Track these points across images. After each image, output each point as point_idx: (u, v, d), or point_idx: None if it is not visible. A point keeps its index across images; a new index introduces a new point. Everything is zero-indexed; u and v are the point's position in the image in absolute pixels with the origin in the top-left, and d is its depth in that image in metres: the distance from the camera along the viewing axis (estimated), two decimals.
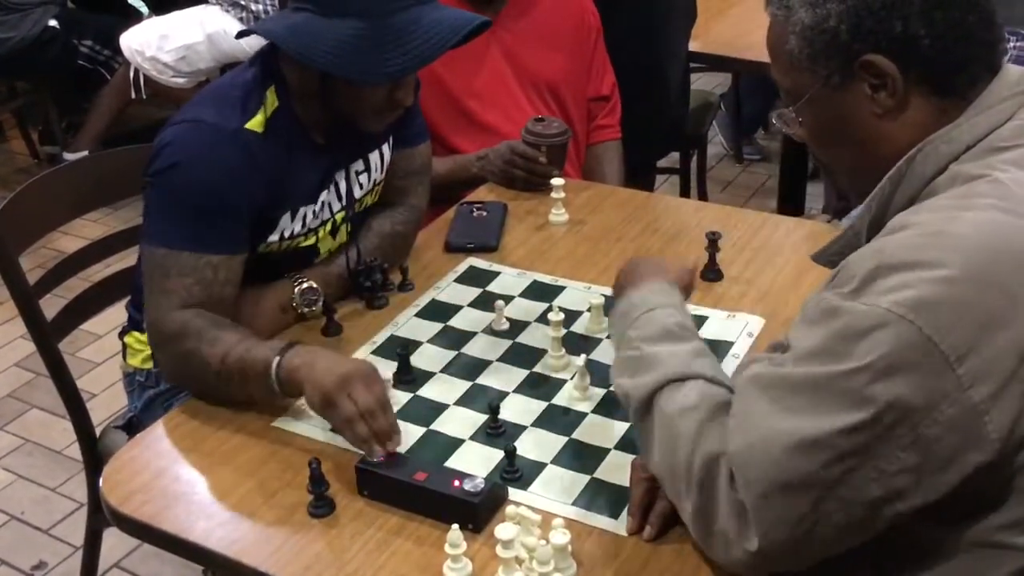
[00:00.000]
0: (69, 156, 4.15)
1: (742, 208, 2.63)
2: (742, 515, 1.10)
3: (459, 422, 1.54)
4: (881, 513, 1.05)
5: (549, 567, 1.23)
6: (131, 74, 4.07)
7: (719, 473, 1.14)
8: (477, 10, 2.09)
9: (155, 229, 1.62)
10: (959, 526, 1.08)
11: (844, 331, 1.05)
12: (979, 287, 1.02)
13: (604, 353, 1.64)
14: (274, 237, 1.72)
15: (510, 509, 1.30)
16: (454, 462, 1.46)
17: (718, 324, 1.73)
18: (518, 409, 1.56)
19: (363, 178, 1.84)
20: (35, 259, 2.97)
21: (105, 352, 3.22)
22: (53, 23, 4.19)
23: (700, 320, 1.73)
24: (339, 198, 1.80)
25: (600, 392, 1.57)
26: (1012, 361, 1.01)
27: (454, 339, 1.74)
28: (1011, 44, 2.47)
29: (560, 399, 1.58)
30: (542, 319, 1.76)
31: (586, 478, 1.42)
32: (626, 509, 1.35)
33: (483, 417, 1.54)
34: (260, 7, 3.91)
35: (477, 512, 1.34)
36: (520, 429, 1.52)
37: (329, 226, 1.81)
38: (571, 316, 1.75)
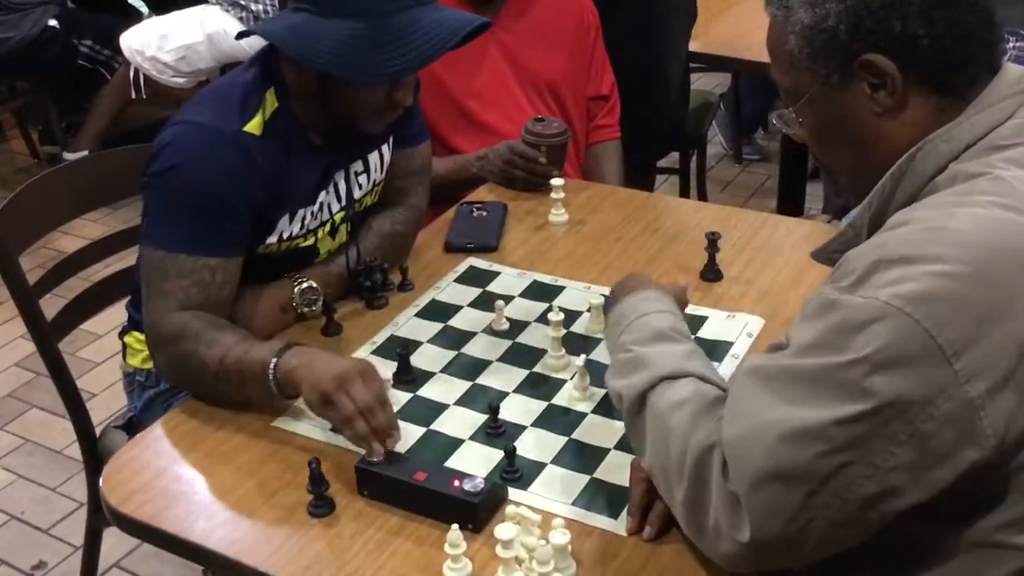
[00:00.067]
0: (69, 156, 4.15)
1: (742, 208, 2.63)
2: (735, 505, 1.10)
3: (459, 422, 1.54)
4: (876, 511, 1.05)
5: (549, 567, 1.23)
6: (131, 74, 4.07)
7: (712, 464, 1.13)
8: (477, 10, 2.09)
9: (153, 231, 1.62)
10: (958, 526, 1.08)
11: (842, 324, 1.05)
12: (979, 283, 1.02)
13: (604, 353, 1.63)
14: (272, 239, 1.72)
15: (510, 509, 1.31)
16: (454, 462, 1.46)
17: (718, 324, 1.73)
18: (518, 409, 1.56)
19: (362, 179, 1.84)
20: (35, 259, 2.97)
21: (105, 352, 3.22)
22: (53, 23, 4.19)
23: (700, 320, 1.74)
24: (338, 199, 1.80)
25: (600, 392, 1.57)
26: (1010, 358, 1.01)
27: (454, 339, 1.74)
28: (1011, 44, 2.47)
29: (560, 399, 1.58)
30: (542, 319, 1.76)
31: (586, 478, 1.42)
32: (626, 509, 1.35)
33: (483, 417, 1.54)
34: (260, 7, 3.91)
35: (477, 512, 1.34)
36: (520, 429, 1.52)
37: (328, 227, 1.81)
38: (571, 316, 1.76)
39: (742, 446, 1.10)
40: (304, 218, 1.75)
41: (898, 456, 1.02)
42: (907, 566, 1.12)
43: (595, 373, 1.58)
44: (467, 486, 1.35)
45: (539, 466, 1.45)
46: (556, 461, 1.46)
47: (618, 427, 1.50)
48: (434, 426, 1.54)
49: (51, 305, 1.98)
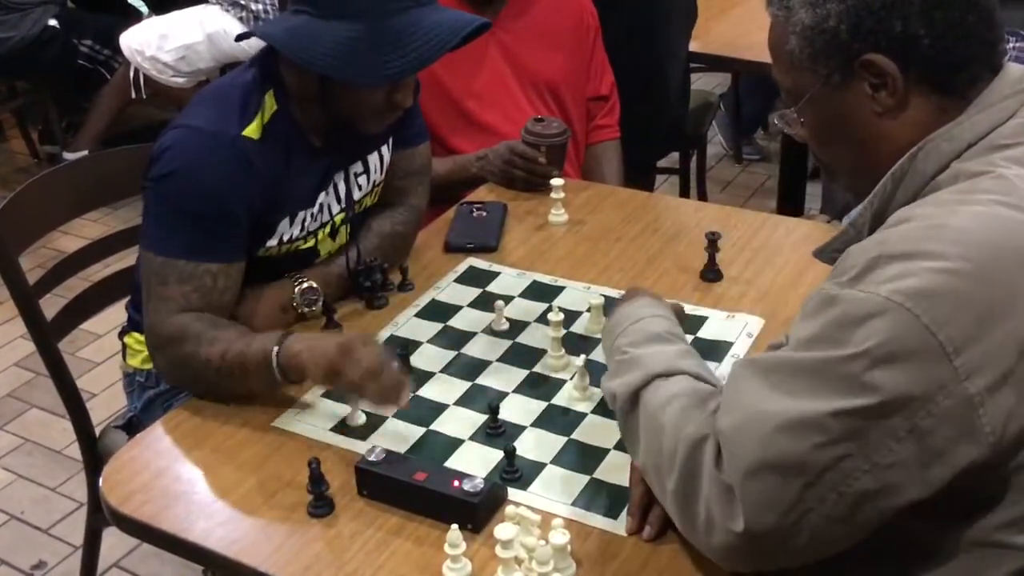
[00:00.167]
0: (69, 156, 4.15)
1: (741, 208, 2.63)
2: (728, 496, 1.09)
3: (459, 422, 1.54)
4: (873, 508, 1.04)
5: (548, 567, 1.23)
6: (131, 74, 4.07)
7: (703, 455, 1.13)
8: (476, 11, 2.09)
9: (153, 236, 1.62)
10: (958, 525, 1.08)
11: (842, 318, 1.04)
12: (980, 280, 1.02)
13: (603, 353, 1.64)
14: (273, 242, 1.72)
15: (509, 509, 1.30)
16: (454, 462, 1.46)
17: (718, 324, 1.73)
18: (518, 409, 1.56)
19: (362, 180, 1.84)
20: (35, 259, 2.97)
21: (105, 352, 3.22)
22: (53, 23, 4.19)
23: (700, 320, 1.74)
24: (338, 200, 1.80)
25: (600, 392, 1.57)
26: (1010, 356, 1.01)
27: (454, 339, 1.74)
28: (1011, 44, 2.47)
29: (560, 399, 1.58)
30: (542, 319, 1.76)
31: (585, 478, 1.42)
32: (625, 509, 1.35)
33: (483, 417, 1.54)
34: (260, 7, 3.91)
35: (476, 512, 1.34)
36: (520, 429, 1.52)
37: (328, 228, 1.81)
38: (571, 316, 1.75)
39: (738, 436, 1.09)
40: (304, 220, 1.74)
41: (896, 452, 1.02)
42: (906, 565, 1.12)
43: (595, 373, 1.58)
44: (467, 486, 1.35)
45: (539, 466, 1.45)
46: (556, 461, 1.46)
47: (618, 427, 1.50)
48: (434, 426, 1.54)
49: (51, 305, 1.98)
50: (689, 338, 1.59)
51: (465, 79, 2.31)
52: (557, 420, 1.54)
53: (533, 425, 1.53)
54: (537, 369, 1.65)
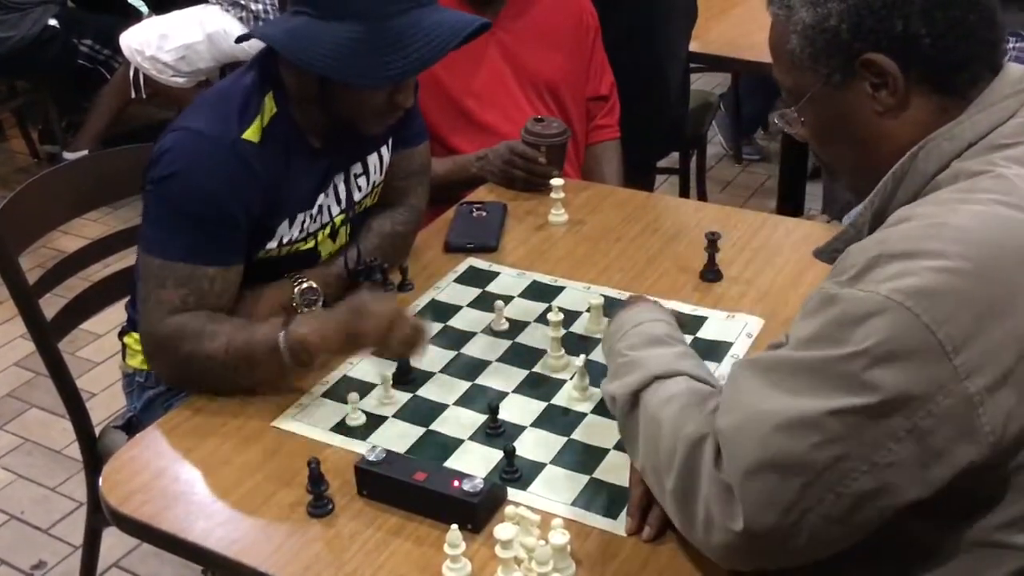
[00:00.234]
0: (69, 155, 4.15)
1: (741, 208, 2.63)
2: (728, 495, 1.09)
3: (459, 422, 1.54)
4: (873, 508, 1.04)
5: (548, 567, 1.23)
6: (131, 74, 4.07)
7: (702, 455, 1.13)
8: (476, 11, 2.09)
9: (152, 238, 1.62)
10: (958, 525, 1.08)
11: (841, 317, 1.04)
12: (980, 279, 1.02)
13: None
14: (273, 244, 1.72)
15: (509, 509, 1.30)
16: (453, 462, 1.46)
17: (717, 324, 1.73)
18: (517, 409, 1.56)
19: (362, 180, 1.84)
20: (35, 259, 2.97)
21: (105, 352, 3.22)
22: (53, 22, 4.19)
23: (700, 320, 1.74)
24: (338, 201, 1.80)
25: (599, 392, 1.57)
26: (1010, 355, 1.01)
27: (454, 339, 1.74)
28: (1011, 45, 2.47)
29: (559, 399, 1.58)
30: (542, 319, 1.76)
31: (585, 478, 1.42)
32: (625, 509, 1.35)
33: (483, 417, 1.54)
34: (260, 7, 3.90)
35: (476, 512, 1.34)
36: (519, 429, 1.52)
37: (328, 229, 1.80)
38: (570, 316, 1.75)
39: (737, 435, 1.09)
40: (304, 222, 1.74)
41: (896, 452, 1.02)
42: (906, 565, 1.12)
43: (595, 373, 1.58)
44: (466, 486, 1.34)
45: (538, 466, 1.45)
46: (555, 461, 1.46)
47: (617, 428, 1.50)
48: (434, 426, 1.54)
49: (51, 305, 1.98)
50: (689, 338, 1.60)
51: (465, 79, 2.31)
52: (557, 420, 1.54)
53: (533, 425, 1.53)
54: (537, 369, 1.65)
